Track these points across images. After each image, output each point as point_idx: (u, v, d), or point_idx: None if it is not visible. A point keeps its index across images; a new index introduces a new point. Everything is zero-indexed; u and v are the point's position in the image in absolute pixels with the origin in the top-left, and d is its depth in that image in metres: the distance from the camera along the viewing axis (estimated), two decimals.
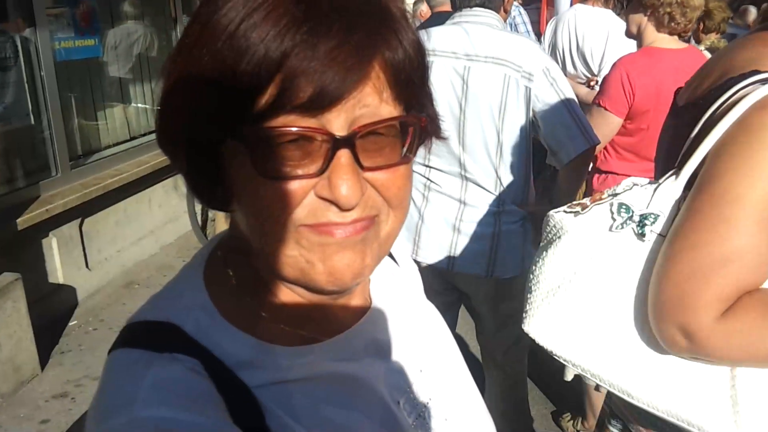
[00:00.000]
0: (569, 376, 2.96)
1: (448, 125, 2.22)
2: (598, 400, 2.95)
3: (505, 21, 2.30)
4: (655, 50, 2.60)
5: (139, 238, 5.19)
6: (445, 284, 2.48)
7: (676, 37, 2.62)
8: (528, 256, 2.38)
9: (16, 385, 3.56)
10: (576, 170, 2.25)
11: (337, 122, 0.58)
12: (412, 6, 6.65)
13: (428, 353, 0.82)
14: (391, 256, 0.90)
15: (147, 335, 0.65)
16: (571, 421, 3.20)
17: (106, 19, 5.13)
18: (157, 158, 4.97)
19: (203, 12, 0.60)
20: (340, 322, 0.73)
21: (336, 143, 0.58)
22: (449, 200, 2.35)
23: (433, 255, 2.39)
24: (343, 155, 0.58)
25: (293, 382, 0.66)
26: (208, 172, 0.63)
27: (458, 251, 2.34)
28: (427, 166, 2.36)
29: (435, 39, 2.27)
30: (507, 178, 2.28)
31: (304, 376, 0.67)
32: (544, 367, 3.41)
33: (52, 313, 4.24)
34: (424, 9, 6.47)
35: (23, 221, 3.95)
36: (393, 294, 0.82)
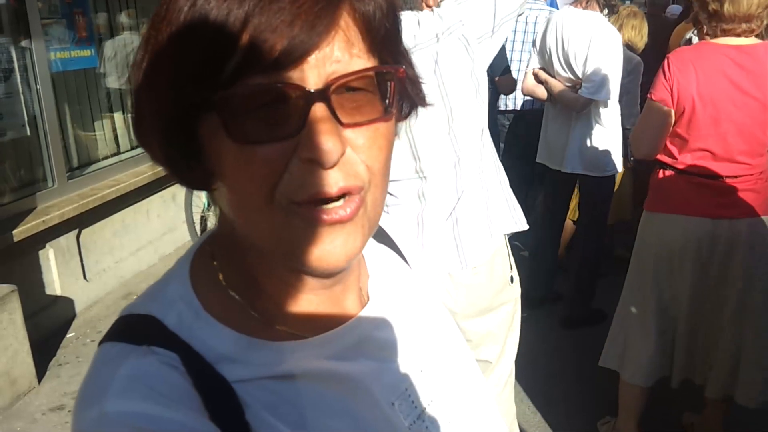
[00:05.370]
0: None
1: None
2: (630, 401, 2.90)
3: (432, 10, 2.20)
4: (706, 45, 2.52)
5: (137, 249, 5.15)
6: None
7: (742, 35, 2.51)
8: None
9: (13, 399, 3.51)
10: None
11: (310, 77, 0.55)
12: None
13: (431, 354, 0.78)
14: (403, 257, 0.87)
15: (128, 328, 0.64)
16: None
17: (102, 30, 5.12)
18: (155, 168, 4.89)
19: None
20: (331, 318, 0.69)
21: (310, 97, 0.55)
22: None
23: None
24: (319, 109, 0.55)
25: (277, 379, 0.63)
26: (186, 150, 0.60)
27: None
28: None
29: None
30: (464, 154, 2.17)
31: (289, 373, 0.64)
32: (548, 370, 3.38)
33: (49, 325, 4.21)
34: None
35: (19, 233, 3.92)
36: (395, 292, 0.79)
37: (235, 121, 0.55)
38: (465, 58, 2.07)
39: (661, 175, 2.69)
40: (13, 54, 4.25)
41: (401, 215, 2.22)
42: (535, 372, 3.41)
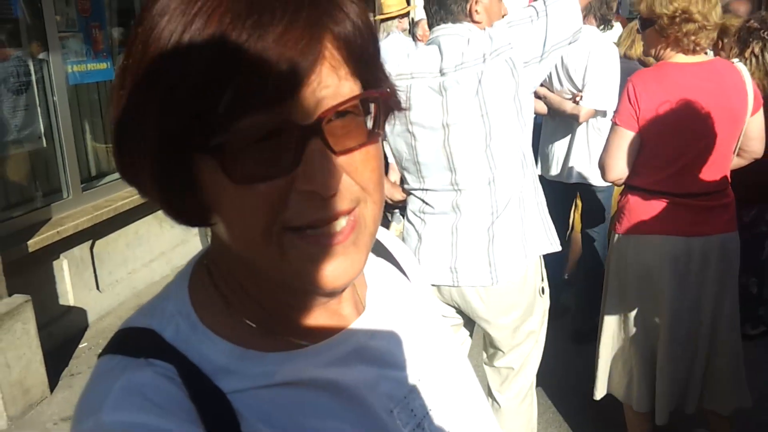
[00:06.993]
0: (599, 395, 2.91)
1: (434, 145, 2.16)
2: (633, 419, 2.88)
3: (482, 27, 2.18)
4: (668, 65, 2.54)
5: (150, 260, 5.19)
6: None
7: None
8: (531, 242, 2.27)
9: (25, 408, 3.54)
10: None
11: (302, 110, 0.56)
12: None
13: (429, 364, 0.79)
14: (402, 270, 0.88)
15: (126, 341, 0.65)
16: None
17: (118, 43, 5.18)
18: None
19: (141, 31, 0.58)
20: (327, 328, 0.71)
21: (304, 133, 0.56)
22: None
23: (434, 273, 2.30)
24: (314, 143, 0.56)
25: (273, 388, 0.64)
26: (180, 192, 0.61)
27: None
28: (422, 189, 2.29)
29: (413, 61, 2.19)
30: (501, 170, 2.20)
31: (285, 382, 0.65)
32: (559, 385, 3.36)
33: (62, 335, 4.24)
34: (420, 32, 6.44)
35: (34, 243, 3.97)
36: (392, 303, 0.80)
37: (232, 162, 0.56)
38: (509, 80, 2.10)
39: (631, 197, 2.66)
40: (31, 66, 4.32)
41: (437, 224, 2.28)
42: (545, 386, 3.40)
